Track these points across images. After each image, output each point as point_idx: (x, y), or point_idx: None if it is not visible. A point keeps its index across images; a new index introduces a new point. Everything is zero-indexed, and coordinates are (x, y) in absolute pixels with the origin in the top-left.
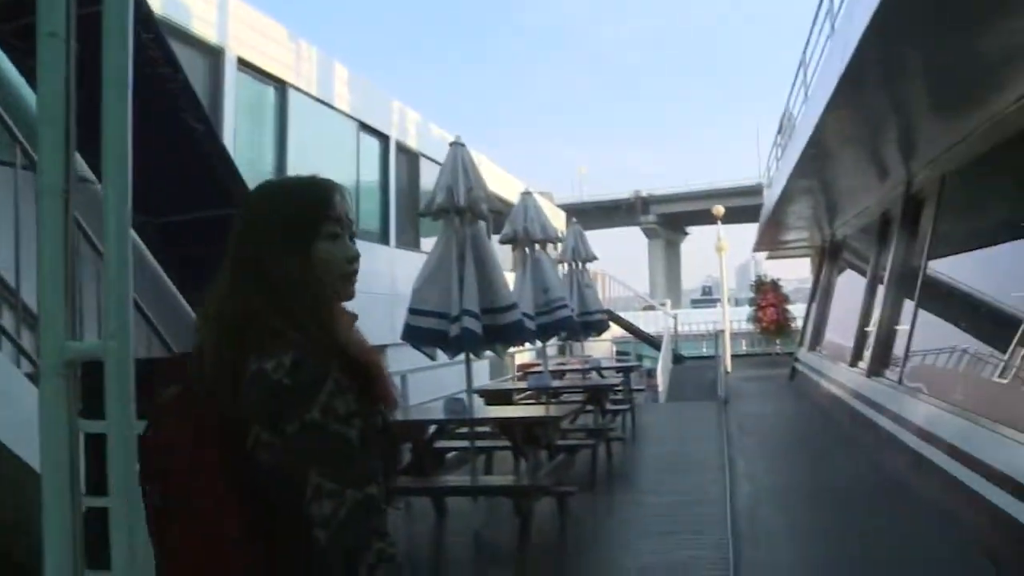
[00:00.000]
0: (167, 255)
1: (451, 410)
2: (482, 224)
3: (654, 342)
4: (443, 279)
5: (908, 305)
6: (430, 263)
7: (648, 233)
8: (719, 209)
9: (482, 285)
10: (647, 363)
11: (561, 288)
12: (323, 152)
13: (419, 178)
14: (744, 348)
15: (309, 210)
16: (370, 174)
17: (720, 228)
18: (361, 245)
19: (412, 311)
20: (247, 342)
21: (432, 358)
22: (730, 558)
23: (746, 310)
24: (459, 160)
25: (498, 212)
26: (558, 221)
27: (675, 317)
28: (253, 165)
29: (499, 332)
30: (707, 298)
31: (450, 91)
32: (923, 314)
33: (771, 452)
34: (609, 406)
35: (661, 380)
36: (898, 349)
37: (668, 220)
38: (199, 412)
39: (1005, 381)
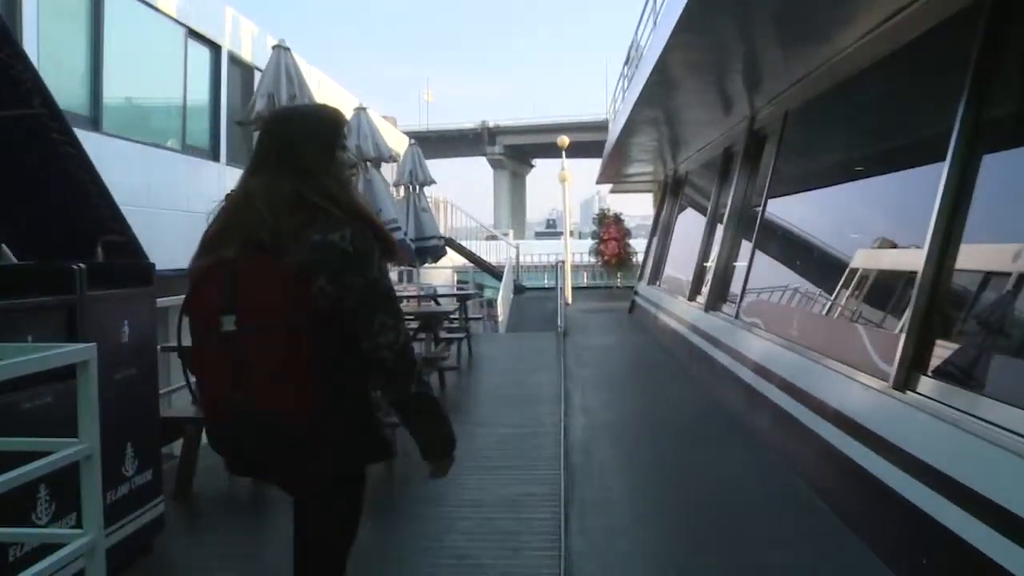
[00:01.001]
0: None
1: None
2: (373, 170)
3: (495, 272)
4: None
5: (747, 243)
6: None
7: (494, 164)
8: (563, 140)
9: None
10: (488, 293)
11: (395, 210)
12: (145, 60)
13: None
14: (586, 281)
15: (336, 131)
16: (199, 86)
17: (564, 160)
18: (189, 162)
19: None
20: (302, 217)
21: None
22: (561, 494)
23: (589, 243)
24: (282, 65)
25: None
26: (400, 146)
27: (517, 247)
28: (61, 67)
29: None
30: (551, 231)
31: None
32: (760, 253)
33: (608, 385)
34: (444, 335)
35: (501, 310)
36: (735, 286)
37: (514, 152)
38: (269, 265)
39: (833, 318)
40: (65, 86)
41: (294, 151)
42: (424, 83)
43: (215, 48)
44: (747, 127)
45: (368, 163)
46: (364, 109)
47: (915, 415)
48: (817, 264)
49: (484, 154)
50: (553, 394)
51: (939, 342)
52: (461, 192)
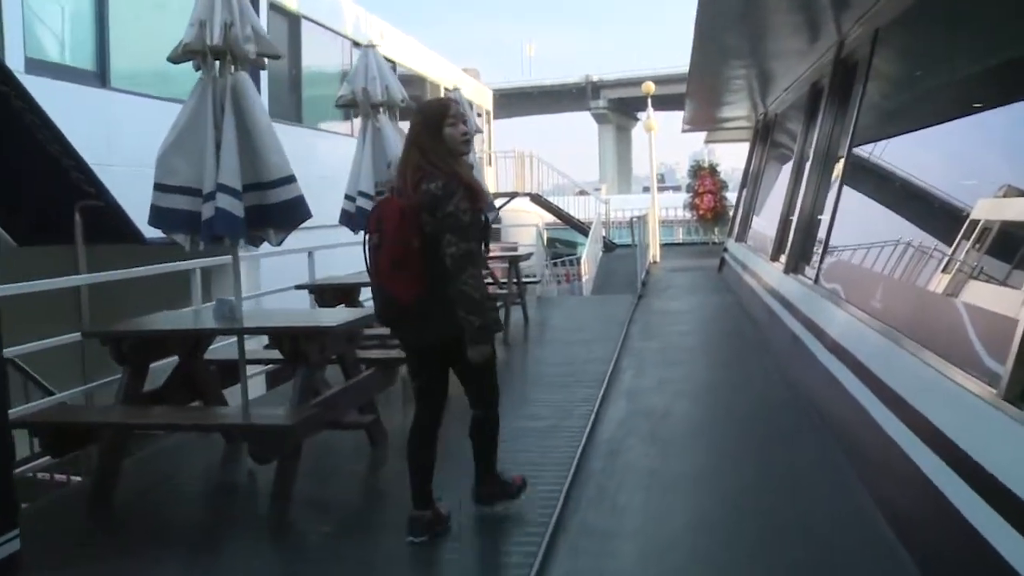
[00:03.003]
0: None
1: (219, 315)
2: (244, 75)
3: (584, 229)
4: (195, 145)
5: (833, 193)
6: (179, 123)
7: (598, 118)
8: (648, 86)
9: (246, 153)
10: (581, 251)
11: None
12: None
13: (301, 43)
14: (681, 237)
15: (437, 115)
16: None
17: (650, 109)
18: None
19: (158, 187)
20: (418, 176)
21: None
22: (552, 521)
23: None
24: None
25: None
26: (483, 100)
27: (607, 202)
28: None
29: (268, 213)
30: (661, 185)
31: None
32: (856, 201)
33: (670, 360)
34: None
35: (586, 270)
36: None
37: (619, 105)
38: (398, 203)
39: (933, 289)
40: (64, 37)
41: (414, 132)
42: (526, 39)
43: None
44: (834, 56)
45: (381, 109)
46: (373, 47)
47: None
48: (920, 217)
49: (588, 109)
50: (601, 372)
51: None
52: (565, 148)
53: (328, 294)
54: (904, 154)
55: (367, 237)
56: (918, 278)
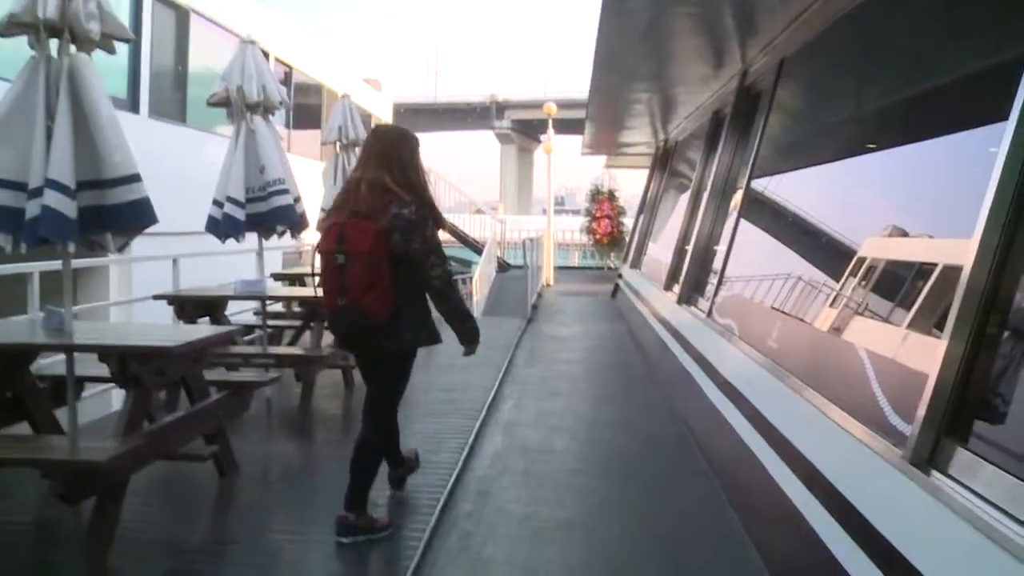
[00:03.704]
0: None
1: (48, 327)
2: (84, 57)
3: (479, 248)
4: (21, 133)
5: (730, 225)
6: (2, 107)
7: (502, 139)
8: (549, 107)
9: (83, 146)
10: (475, 270)
11: (282, 168)
12: None
13: (189, 37)
14: (577, 260)
15: (414, 141)
16: None
17: (551, 130)
18: None
19: None
20: (388, 198)
21: (10, 248)
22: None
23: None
24: None
25: None
26: (383, 111)
27: (503, 222)
28: None
29: (106, 215)
30: (561, 208)
31: None
32: (752, 234)
33: (554, 390)
34: None
35: (477, 290)
36: (714, 276)
37: (523, 126)
38: (365, 223)
39: (826, 328)
40: None
41: (385, 155)
42: (434, 54)
43: None
44: (738, 84)
45: (259, 109)
46: (253, 43)
47: (939, 512)
48: (814, 253)
49: (492, 128)
50: (480, 402)
51: (987, 393)
52: (469, 166)
53: (189, 306)
54: (801, 189)
55: (323, 255)
56: (812, 317)
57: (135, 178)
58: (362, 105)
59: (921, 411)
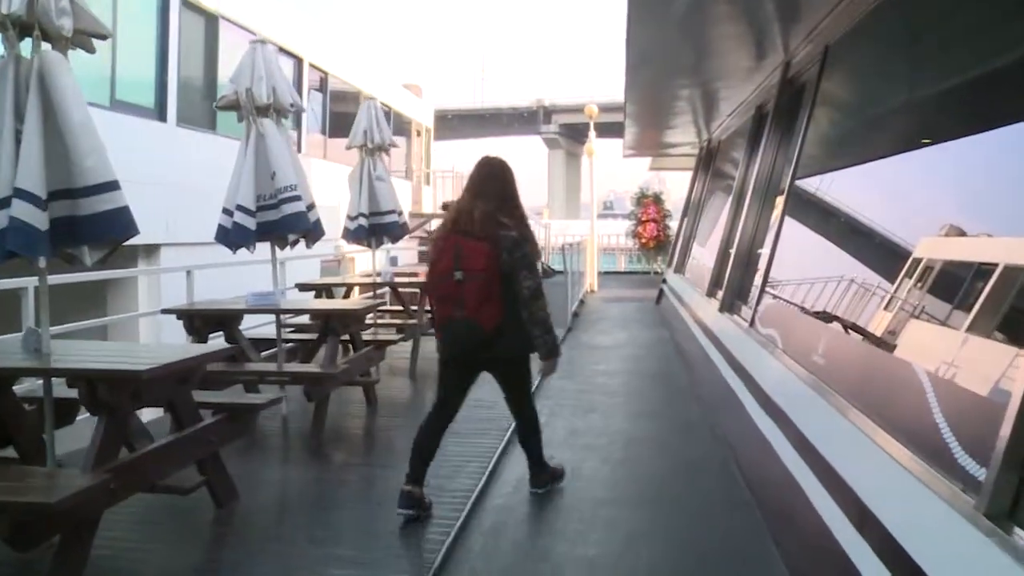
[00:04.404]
0: None
1: (26, 348)
2: (56, 55)
3: None
4: None
5: (776, 223)
6: None
7: (549, 143)
8: (591, 109)
9: (54, 153)
10: None
11: (294, 174)
12: None
13: (218, 44)
14: (623, 265)
15: (511, 175)
16: (139, 27)
17: (592, 132)
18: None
19: None
20: (499, 223)
21: None
22: None
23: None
24: None
25: None
26: (423, 117)
27: (547, 227)
28: None
29: (80, 227)
30: (608, 212)
31: None
32: (799, 237)
33: (583, 407)
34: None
35: None
36: (758, 281)
37: (570, 131)
38: (480, 244)
39: (880, 346)
40: None
41: (499, 184)
42: (480, 60)
43: None
44: (781, 77)
45: (263, 113)
46: (262, 42)
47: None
48: (866, 254)
49: (539, 133)
50: (508, 418)
51: None
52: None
53: (200, 321)
54: (849, 187)
55: (439, 272)
56: (865, 323)
57: (111, 186)
58: (401, 110)
59: (999, 448)
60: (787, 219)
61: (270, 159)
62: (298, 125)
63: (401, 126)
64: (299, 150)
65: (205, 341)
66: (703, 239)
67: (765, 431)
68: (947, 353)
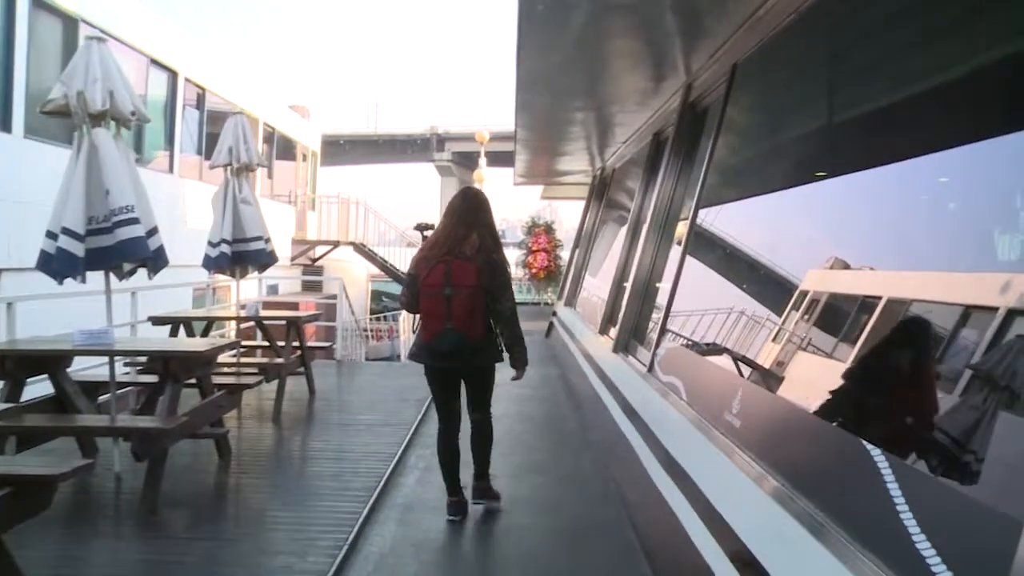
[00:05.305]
0: None
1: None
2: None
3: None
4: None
5: (674, 260)
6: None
7: (442, 171)
8: (482, 135)
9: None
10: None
11: (133, 193)
12: None
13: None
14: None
15: (488, 204)
16: None
17: (483, 159)
18: None
19: None
20: (486, 249)
21: None
22: None
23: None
24: None
25: None
26: (310, 140)
27: None
28: None
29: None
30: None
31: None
32: (690, 273)
33: (462, 463)
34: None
35: (405, 328)
36: (656, 320)
37: (463, 159)
38: (468, 264)
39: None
40: None
41: (478, 218)
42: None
43: None
44: (682, 99)
45: (97, 121)
46: (99, 39)
47: None
48: (755, 287)
49: (432, 160)
50: (378, 474)
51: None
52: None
53: (12, 364)
54: (737, 219)
55: (429, 287)
56: (757, 363)
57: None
58: (287, 132)
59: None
60: (688, 255)
61: (104, 175)
62: (171, 144)
63: (286, 149)
64: (171, 170)
65: (21, 388)
66: (595, 270)
67: (664, 492)
68: (832, 385)
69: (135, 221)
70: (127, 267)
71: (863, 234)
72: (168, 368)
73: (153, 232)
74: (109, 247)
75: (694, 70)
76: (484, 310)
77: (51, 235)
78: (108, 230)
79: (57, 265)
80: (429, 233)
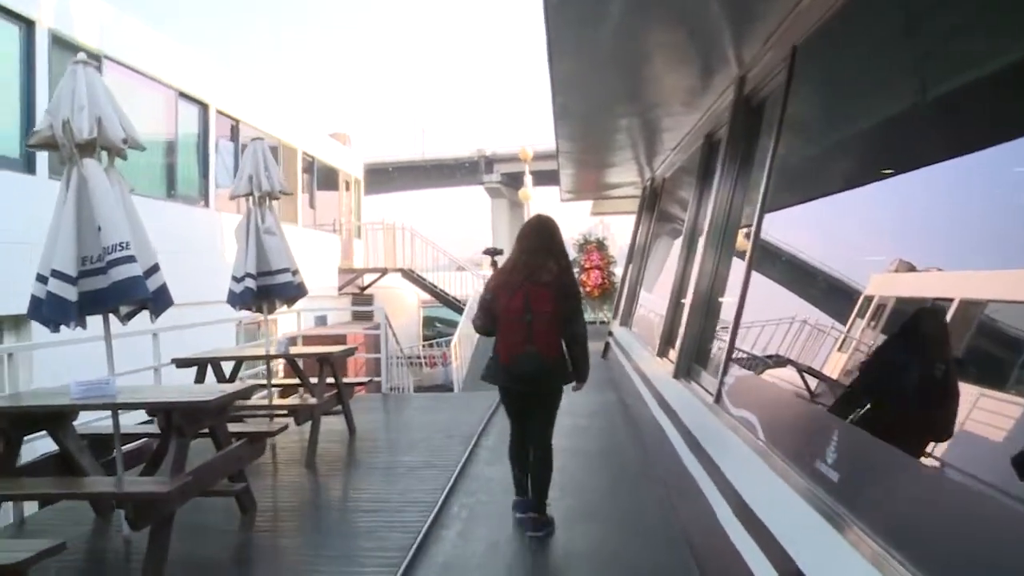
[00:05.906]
0: None
1: None
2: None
3: (459, 307)
4: None
5: (738, 270)
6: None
7: (491, 193)
8: (526, 152)
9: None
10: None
11: (128, 229)
12: None
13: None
14: None
15: (559, 231)
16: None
17: (528, 176)
18: None
19: None
20: (561, 274)
21: None
22: None
23: None
24: None
25: None
26: (352, 167)
27: (485, 278)
28: None
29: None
30: None
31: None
32: (758, 287)
33: (500, 516)
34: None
35: (457, 354)
36: (722, 343)
37: (512, 180)
38: (546, 290)
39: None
40: None
41: (551, 245)
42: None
43: (26, 23)
44: (735, 95)
45: (85, 151)
46: (87, 63)
47: None
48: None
49: (481, 183)
50: (416, 526)
51: None
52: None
53: (6, 422)
54: (793, 225)
55: (510, 312)
56: (824, 375)
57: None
58: (328, 161)
59: None
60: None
61: (94, 210)
62: (205, 177)
63: (328, 177)
64: (207, 205)
65: (16, 448)
66: (650, 287)
67: (738, 544)
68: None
69: (131, 259)
70: (123, 310)
71: (930, 233)
72: (171, 421)
73: (153, 271)
74: (103, 289)
75: (747, 60)
76: (560, 332)
77: (41, 279)
78: (102, 270)
79: (47, 311)
80: (499, 258)
